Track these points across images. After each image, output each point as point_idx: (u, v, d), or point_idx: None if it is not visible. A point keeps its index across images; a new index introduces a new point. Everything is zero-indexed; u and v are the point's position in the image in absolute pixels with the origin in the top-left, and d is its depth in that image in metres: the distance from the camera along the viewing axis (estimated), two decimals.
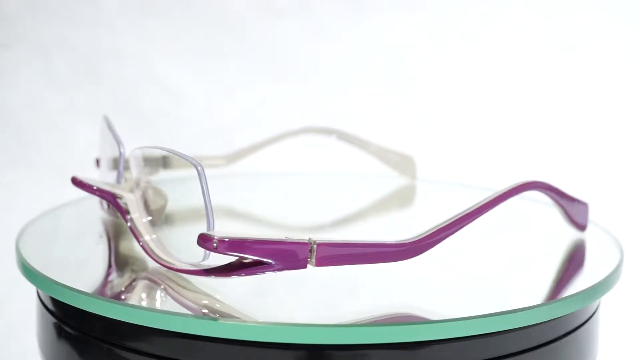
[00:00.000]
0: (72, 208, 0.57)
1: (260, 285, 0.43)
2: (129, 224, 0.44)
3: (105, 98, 0.95)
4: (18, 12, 0.95)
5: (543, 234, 0.54)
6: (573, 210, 0.50)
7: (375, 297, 0.44)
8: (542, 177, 0.50)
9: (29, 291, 0.51)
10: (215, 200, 0.62)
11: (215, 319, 0.38)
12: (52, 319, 0.44)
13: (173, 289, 0.42)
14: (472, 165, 0.92)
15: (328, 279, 0.43)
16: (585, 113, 0.91)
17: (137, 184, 0.45)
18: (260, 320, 0.38)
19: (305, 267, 0.39)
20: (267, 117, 0.95)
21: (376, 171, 0.66)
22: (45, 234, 0.51)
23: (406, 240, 0.41)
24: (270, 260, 0.38)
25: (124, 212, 0.44)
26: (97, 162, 0.54)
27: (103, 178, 0.50)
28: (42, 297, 0.45)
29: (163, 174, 0.57)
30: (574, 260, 0.48)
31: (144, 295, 0.42)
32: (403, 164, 0.65)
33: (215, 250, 0.38)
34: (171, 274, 0.43)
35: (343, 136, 0.66)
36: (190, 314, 0.39)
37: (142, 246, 0.44)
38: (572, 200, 0.50)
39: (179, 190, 0.61)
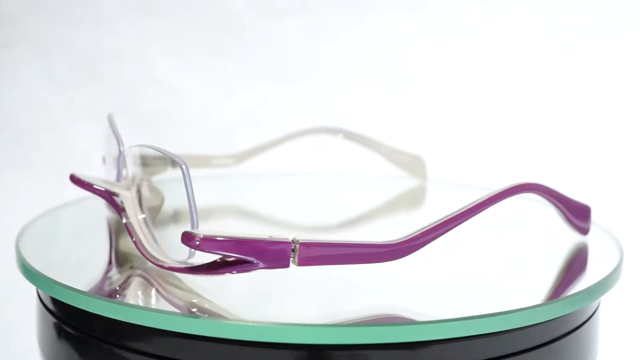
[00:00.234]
0: (72, 208, 0.57)
1: (250, 285, 0.43)
2: (124, 221, 0.44)
3: (105, 98, 0.95)
4: (18, 12, 0.95)
5: (543, 233, 0.54)
6: (573, 212, 0.49)
7: (374, 298, 0.44)
8: (548, 177, 0.49)
9: (29, 291, 0.51)
10: (224, 199, 0.63)
11: (215, 319, 0.38)
12: (52, 319, 0.44)
13: (163, 287, 0.42)
14: (471, 165, 0.92)
15: (324, 279, 0.43)
16: (587, 113, 0.91)
17: (133, 182, 0.45)
18: (260, 320, 0.38)
19: (287, 266, 0.39)
20: (267, 117, 0.95)
21: (386, 172, 0.66)
22: (45, 234, 0.51)
23: (393, 241, 0.41)
24: (252, 259, 0.39)
25: (120, 209, 0.45)
26: (103, 160, 0.54)
27: (107, 176, 0.50)
28: (42, 297, 0.45)
29: (171, 173, 0.58)
30: (573, 260, 0.48)
31: (135, 293, 0.43)
32: (413, 164, 0.65)
33: (197, 248, 0.38)
34: (163, 272, 0.43)
35: (353, 136, 0.65)
36: (190, 314, 0.39)
37: (135, 243, 0.44)
38: (572, 202, 0.49)
39: (181, 189, 0.61)
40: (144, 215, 0.44)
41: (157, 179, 0.54)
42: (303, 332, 0.37)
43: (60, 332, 0.43)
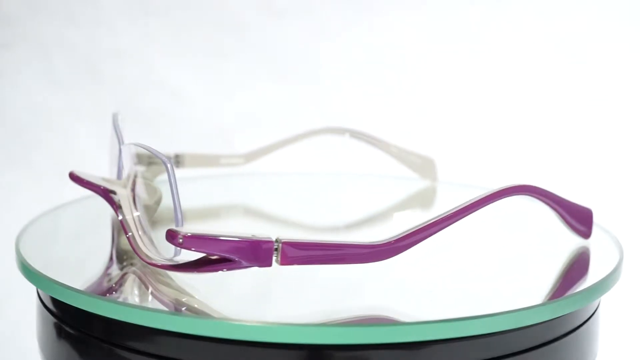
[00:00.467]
0: (72, 208, 0.57)
1: (243, 284, 0.43)
2: (119, 218, 0.45)
3: (105, 98, 0.95)
4: (18, 12, 0.95)
5: (544, 233, 0.54)
6: (573, 216, 0.49)
7: (373, 298, 0.44)
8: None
9: (29, 291, 0.51)
10: (232, 198, 0.63)
11: (215, 319, 0.38)
12: (52, 319, 0.44)
13: (154, 285, 0.43)
14: (473, 165, 0.92)
15: (319, 278, 0.43)
16: (590, 112, 0.91)
17: (129, 180, 0.45)
18: (260, 320, 0.38)
19: (270, 265, 0.39)
20: (266, 118, 0.95)
21: (395, 172, 0.65)
22: (45, 234, 0.51)
23: (378, 242, 0.41)
24: (235, 258, 0.39)
25: (116, 207, 0.45)
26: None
27: (111, 174, 0.51)
28: (42, 297, 0.45)
29: (176, 172, 0.58)
30: (573, 260, 0.48)
31: (129, 290, 0.43)
32: (423, 165, 0.64)
33: (181, 245, 0.39)
34: (157, 270, 0.43)
35: (363, 137, 0.64)
36: (191, 314, 0.39)
37: (128, 239, 0.44)
38: (572, 205, 0.49)
39: (183, 189, 0.62)
40: (137, 213, 0.45)
41: (162, 178, 0.55)
42: (303, 332, 0.37)
43: (60, 332, 0.43)
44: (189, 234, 0.38)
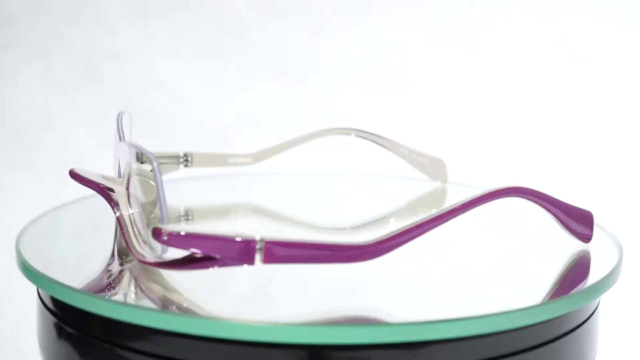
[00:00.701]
0: (72, 208, 0.57)
1: (243, 284, 0.43)
2: (116, 215, 0.45)
3: (105, 98, 0.95)
4: (18, 12, 0.95)
5: (544, 233, 0.54)
6: (571, 219, 0.48)
7: (373, 298, 0.44)
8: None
9: (29, 291, 0.51)
10: (241, 197, 0.63)
11: (215, 319, 0.38)
12: (52, 319, 0.44)
13: (144, 283, 0.43)
14: (471, 166, 0.92)
15: (320, 278, 0.43)
16: (590, 112, 0.91)
17: (125, 178, 0.46)
18: (260, 320, 0.38)
19: (252, 264, 0.39)
20: (267, 117, 0.95)
21: (405, 173, 0.65)
22: (45, 234, 0.51)
23: (363, 242, 0.41)
24: (218, 256, 0.39)
25: (114, 204, 0.46)
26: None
27: (115, 172, 0.51)
28: (43, 297, 0.45)
29: (184, 172, 0.58)
30: (573, 260, 0.48)
31: (123, 287, 0.43)
32: (433, 167, 0.64)
33: (165, 243, 0.39)
34: (150, 268, 0.44)
35: (373, 138, 0.64)
36: (191, 314, 0.39)
37: (123, 236, 0.45)
38: (571, 208, 0.48)
39: (186, 188, 0.62)
40: (132, 211, 0.45)
41: (166, 178, 0.55)
42: (303, 332, 0.38)
43: (60, 332, 0.43)
44: (172, 232, 0.39)
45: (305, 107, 0.95)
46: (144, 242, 0.44)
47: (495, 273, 0.47)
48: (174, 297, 0.42)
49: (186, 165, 0.58)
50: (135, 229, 0.45)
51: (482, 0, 0.92)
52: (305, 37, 0.95)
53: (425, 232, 0.42)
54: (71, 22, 0.95)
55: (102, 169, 0.54)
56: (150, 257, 0.43)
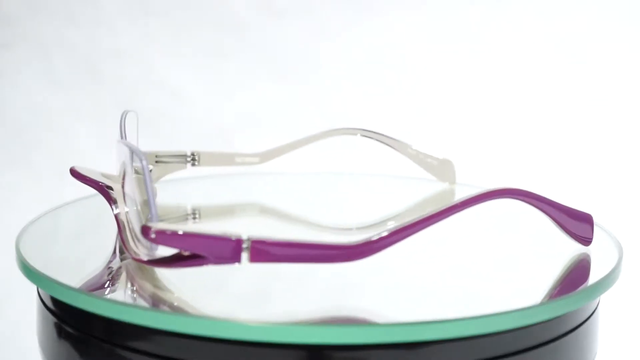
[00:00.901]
0: (72, 208, 0.57)
1: (243, 284, 0.43)
2: (114, 213, 0.46)
3: (105, 98, 0.95)
4: (18, 12, 0.95)
5: (543, 233, 0.54)
6: (570, 220, 0.47)
7: (373, 298, 0.44)
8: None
9: (29, 291, 0.51)
10: (248, 197, 0.63)
11: (215, 319, 0.38)
12: (52, 319, 0.44)
13: (136, 280, 0.43)
14: (472, 166, 0.92)
15: (319, 278, 0.43)
16: (590, 112, 0.91)
17: (122, 176, 0.46)
18: (260, 320, 0.38)
19: (238, 262, 0.39)
20: (266, 117, 0.95)
21: (413, 174, 0.64)
22: (45, 234, 0.51)
23: (350, 243, 0.41)
24: (204, 254, 0.39)
25: (112, 202, 0.46)
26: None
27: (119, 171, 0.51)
28: (43, 297, 0.45)
29: (191, 171, 0.58)
30: (573, 260, 0.48)
31: (120, 284, 0.44)
32: (442, 167, 0.63)
33: (153, 241, 0.39)
34: (143, 265, 0.44)
35: (381, 138, 0.64)
36: (191, 314, 0.39)
37: (119, 233, 0.45)
38: (570, 211, 0.47)
39: (189, 188, 0.62)
40: (127, 209, 0.45)
41: (170, 177, 0.55)
42: (303, 332, 0.38)
43: (60, 332, 0.43)
44: (159, 230, 0.39)
45: (305, 107, 0.95)
46: (138, 240, 0.44)
47: (495, 273, 0.47)
48: (167, 296, 0.42)
49: (193, 165, 0.58)
50: (130, 227, 0.45)
51: (482, 0, 0.92)
52: (305, 37, 0.95)
53: (415, 232, 0.42)
54: (71, 22, 0.95)
55: (102, 169, 0.54)
56: (143, 255, 0.43)
